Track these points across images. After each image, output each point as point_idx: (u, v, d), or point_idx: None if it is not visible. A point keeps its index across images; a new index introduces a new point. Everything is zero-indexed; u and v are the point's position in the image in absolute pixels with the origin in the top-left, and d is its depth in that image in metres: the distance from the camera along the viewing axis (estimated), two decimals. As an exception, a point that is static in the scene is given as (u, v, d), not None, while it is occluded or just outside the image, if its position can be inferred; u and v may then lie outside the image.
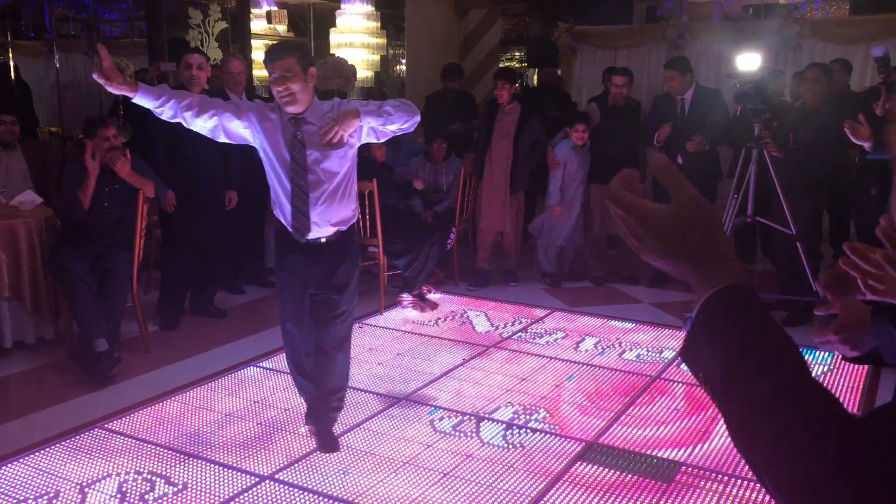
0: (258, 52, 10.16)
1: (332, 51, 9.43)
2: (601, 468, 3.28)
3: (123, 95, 2.95)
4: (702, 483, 3.17)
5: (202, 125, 3.11)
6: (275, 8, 10.38)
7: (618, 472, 3.25)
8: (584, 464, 3.32)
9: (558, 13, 8.69)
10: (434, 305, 5.60)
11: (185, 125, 3.12)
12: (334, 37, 9.42)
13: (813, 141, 5.07)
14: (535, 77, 12.49)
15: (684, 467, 3.30)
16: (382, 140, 3.32)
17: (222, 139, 3.19)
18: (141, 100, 2.97)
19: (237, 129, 3.15)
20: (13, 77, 10.07)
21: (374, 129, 3.15)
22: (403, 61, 11.69)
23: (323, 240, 3.23)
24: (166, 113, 3.04)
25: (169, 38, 8.26)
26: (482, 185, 6.00)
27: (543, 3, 9.20)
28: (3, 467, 3.24)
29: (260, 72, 10.01)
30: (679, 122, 5.66)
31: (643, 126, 5.95)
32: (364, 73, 9.32)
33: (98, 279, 4.40)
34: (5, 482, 3.13)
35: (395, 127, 3.17)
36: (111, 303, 4.39)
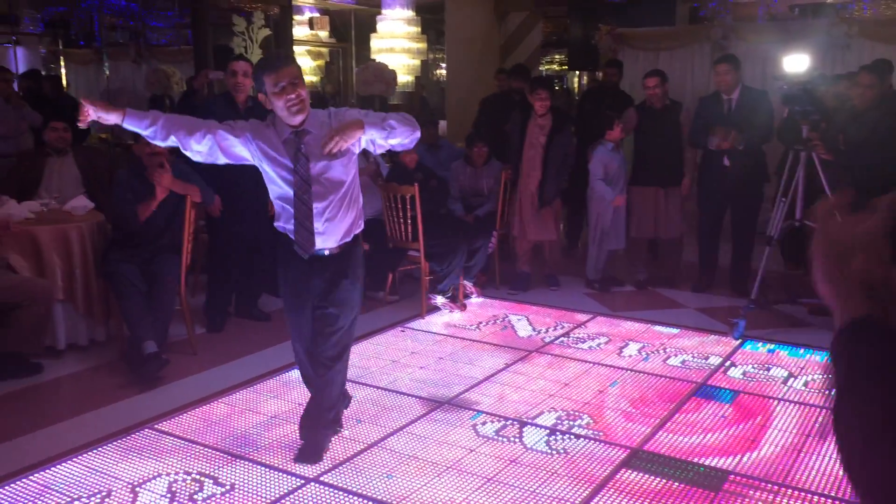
0: (301, 58, 10.29)
1: (372, 56, 9.51)
2: (647, 476, 3.25)
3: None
4: (750, 492, 3.12)
5: (197, 148, 3.07)
6: (317, 14, 10.50)
7: (664, 480, 3.21)
8: (630, 471, 3.29)
9: (599, 15, 8.65)
10: (463, 306, 5.62)
11: (182, 149, 3.10)
12: (375, 42, 9.51)
13: (862, 142, 4.97)
14: (576, 79, 12.44)
15: (732, 476, 3.25)
16: (379, 152, 3.28)
17: (222, 160, 3.15)
18: (130, 125, 2.97)
19: (234, 148, 3.11)
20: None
21: (373, 141, 3.10)
22: (443, 65, 11.73)
23: (326, 252, 3.21)
24: (159, 136, 3.01)
25: (214, 45, 8.41)
26: (516, 193, 6.00)
27: (584, 5, 9.15)
28: (58, 466, 3.32)
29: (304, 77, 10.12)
30: (724, 121, 5.58)
31: (690, 128, 5.88)
32: (404, 77, 9.38)
33: (147, 282, 4.49)
34: (60, 480, 3.21)
35: (395, 141, 3.12)
36: (159, 305, 4.48)
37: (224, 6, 8.60)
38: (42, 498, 3.07)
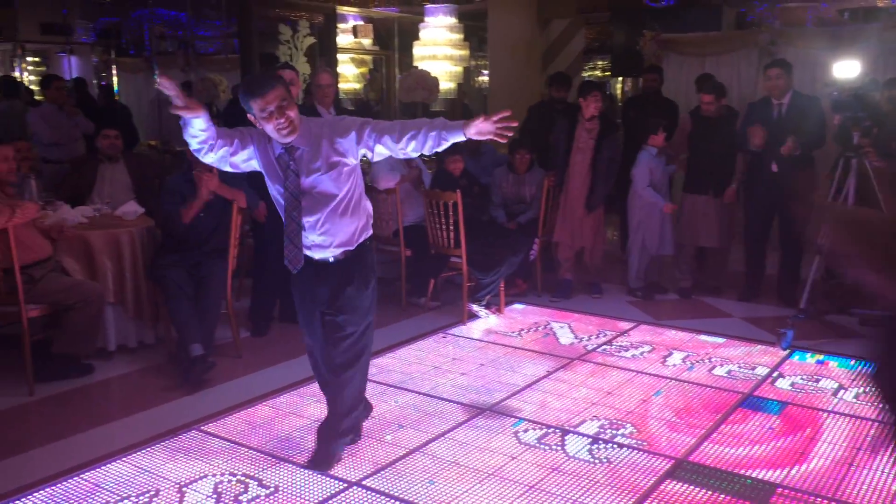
0: (344, 65, 10.40)
1: (415, 63, 9.56)
2: (691, 487, 3.20)
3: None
4: (799, 506, 3.06)
5: (212, 155, 3.03)
6: (361, 22, 10.60)
7: (709, 492, 3.16)
8: (674, 482, 3.25)
9: (644, 21, 8.58)
10: (499, 311, 5.62)
11: (196, 154, 3.05)
12: (418, 49, 9.55)
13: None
14: (619, 86, 12.35)
15: (780, 489, 3.19)
16: (377, 159, 3.17)
17: (229, 169, 3.14)
18: (201, 123, 2.90)
19: (241, 159, 3.09)
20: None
21: (375, 146, 3.05)
22: (486, 72, 11.75)
23: (331, 259, 3.19)
24: (207, 140, 2.97)
25: (260, 53, 8.54)
26: (560, 200, 5.97)
27: (628, 11, 9.09)
28: (108, 465, 3.40)
29: (346, 84, 10.25)
30: (774, 127, 5.49)
31: (737, 132, 5.80)
32: (447, 84, 9.41)
33: (194, 286, 4.57)
34: (110, 479, 3.28)
35: (412, 147, 3.03)
36: (206, 309, 4.55)
37: (270, 15, 8.73)
38: (93, 496, 3.15)
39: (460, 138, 3.02)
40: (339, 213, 3.11)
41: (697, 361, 4.69)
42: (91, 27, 12.26)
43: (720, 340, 5.06)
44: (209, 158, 3.05)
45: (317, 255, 3.17)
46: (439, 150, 3.09)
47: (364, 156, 3.13)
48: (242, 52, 8.65)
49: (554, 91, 6.94)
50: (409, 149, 3.05)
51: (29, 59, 12.29)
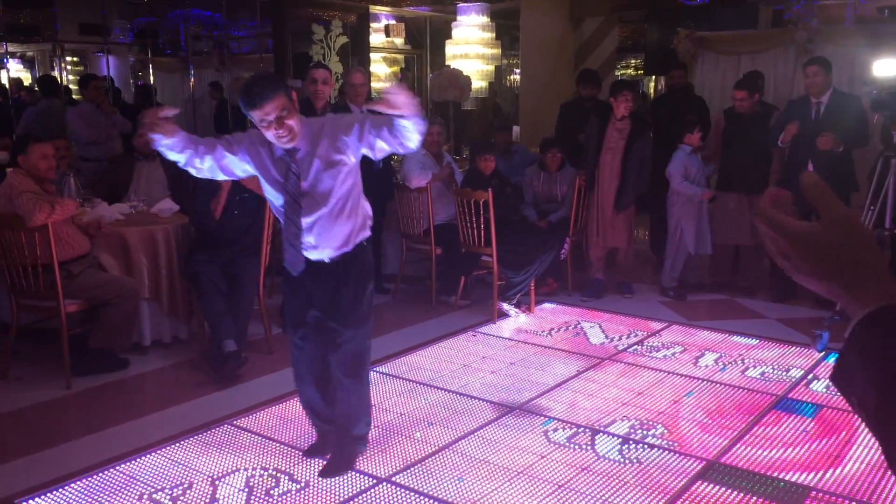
0: (377, 64, 10.44)
1: (447, 62, 9.58)
2: (723, 489, 3.17)
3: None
4: (833, 510, 3.01)
5: (200, 166, 2.98)
6: (393, 21, 10.64)
7: (741, 494, 3.13)
8: (705, 483, 3.22)
9: (678, 19, 8.49)
10: (528, 310, 5.62)
11: (184, 166, 3.00)
12: (450, 48, 9.57)
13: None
14: (652, 84, 12.25)
15: (814, 492, 3.14)
16: (380, 157, 3.07)
17: (221, 177, 3.12)
18: (171, 143, 2.86)
19: (231, 164, 3.02)
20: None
21: (372, 143, 2.93)
22: (517, 71, 11.72)
23: (326, 260, 3.11)
24: (188, 158, 2.93)
25: (293, 52, 8.62)
26: (591, 200, 5.94)
27: (662, 9, 9.00)
28: (143, 457, 3.46)
29: (378, 83, 10.29)
30: (812, 126, 5.41)
31: (770, 129, 5.73)
32: (478, 83, 9.41)
33: (228, 283, 4.63)
34: (145, 471, 3.34)
35: (397, 140, 2.87)
36: (239, 305, 4.61)
37: (303, 15, 8.81)
38: (128, 488, 3.21)
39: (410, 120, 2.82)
40: (337, 214, 3.03)
41: (730, 363, 4.64)
42: (128, 27, 12.46)
43: (754, 342, 5.00)
44: (199, 172, 3.01)
45: (314, 255, 3.09)
46: (409, 136, 2.85)
47: (366, 155, 3.02)
48: (276, 52, 8.74)
49: (582, 89, 6.90)
50: (394, 142, 2.90)
51: (68, 58, 12.53)
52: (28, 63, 14.87)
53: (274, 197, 3.06)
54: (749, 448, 3.53)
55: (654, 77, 11.71)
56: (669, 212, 6.02)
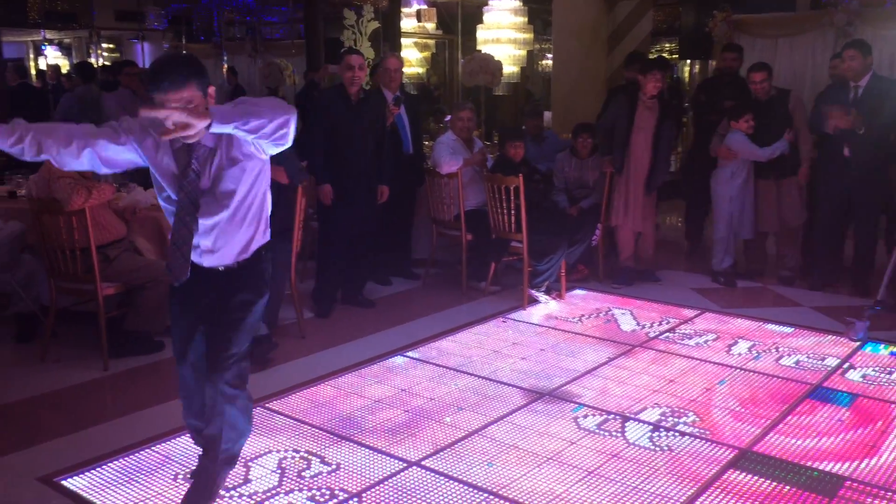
0: (408, 49, 10.43)
1: (478, 47, 9.53)
2: (756, 477, 3.14)
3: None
4: (868, 500, 2.97)
5: (75, 163, 2.57)
6: (424, 6, 10.60)
7: (774, 483, 3.09)
8: (738, 472, 3.19)
9: (714, 2, 8.34)
10: (559, 296, 5.60)
11: (54, 163, 2.57)
12: (481, 33, 9.52)
13: None
14: (686, 68, 12.06)
15: (849, 482, 3.10)
16: (276, 150, 2.59)
17: (105, 171, 2.69)
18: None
19: (117, 155, 2.61)
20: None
21: (244, 131, 2.41)
22: (549, 56, 11.63)
23: (221, 268, 2.77)
24: (28, 153, 2.48)
25: (325, 38, 8.63)
26: (620, 182, 5.85)
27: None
28: (177, 438, 3.51)
29: (409, 69, 10.28)
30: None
31: (811, 113, 5.62)
32: (510, 68, 9.36)
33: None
34: (179, 452, 3.40)
35: (253, 125, 2.37)
36: (271, 290, 4.64)
37: (335, 0, 8.82)
38: (163, 467, 3.27)
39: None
40: (237, 218, 2.70)
41: (764, 351, 4.58)
42: (163, 14, 12.59)
43: (788, 330, 4.93)
44: (74, 164, 2.57)
45: (206, 262, 2.75)
46: (271, 137, 2.46)
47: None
48: (308, 37, 8.77)
49: (629, 73, 6.77)
50: (260, 132, 2.42)
51: (104, 45, 12.71)
52: (65, 50, 15.10)
53: (167, 191, 2.67)
54: (783, 437, 3.49)
55: (688, 61, 11.54)
56: (716, 191, 5.91)
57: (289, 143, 2.52)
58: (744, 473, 3.17)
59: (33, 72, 13.10)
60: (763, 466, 3.23)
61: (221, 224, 2.69)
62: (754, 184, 5.82)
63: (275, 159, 4.46)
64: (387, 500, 3.00)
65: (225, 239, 2.72)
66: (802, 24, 7.42)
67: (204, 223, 2.68)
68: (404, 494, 3.04)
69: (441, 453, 3.37)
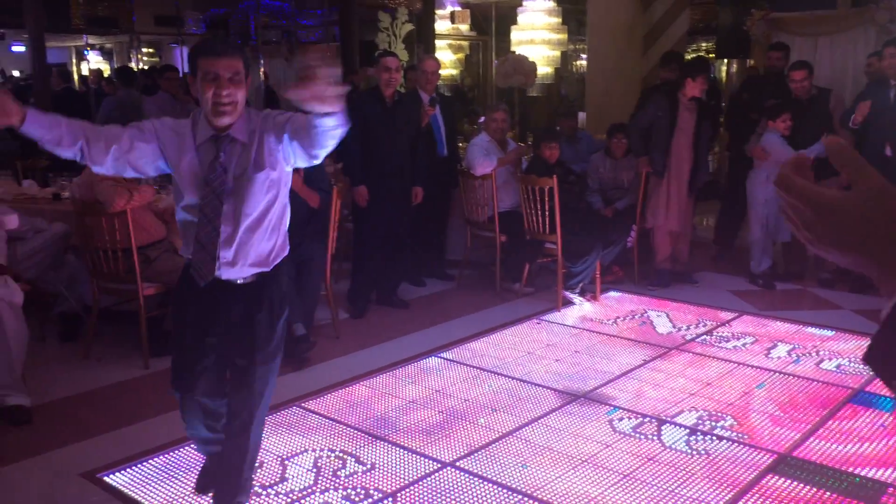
0: (442, 51, 10.45)
1: (512, 48, 9.52)
2: (795, 483, 3.10)
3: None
4: (912, 508, 2.91)
5: (101, 157, 2.48)
6: (458, 8, 10.62)
7: (814, 489, 3.05)
8: (776, 477, 3.15)
9: (752, 0, 8.24)
10: (593, 297, 5.58)
11: (86, 162, 2.49)
12: (515, 34, 9.51)
13: None
14: (724, 68, 11.91)
15: (892, 488, 3.04)
16: (313, 162, 2.57)
17: (130, 174, 2.64)
18: (32, 130, 2.30)
19: (143, 156, 2.54)
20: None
21: (301, 146, 2.46)
22: (584, 56, 11.57)
23: (239, 281, 2.65)
24: (66, 142, 2.39)
25: (360, 40, 8.69)
26: (660, 183, 5.80)
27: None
28: (216, 436, 3.56)
29: (443, 71, 10.31)
30: (891, 110, 5.19)
31: (842, 113, 5.53)
32: (544, 69, 9.33)
33: (295, 268, 4.72)
34: (217, 450, 3.45)
35: (323, 138, 2.37)
36: (307, 290, 4.70)
37: (370, 3, 8.88)
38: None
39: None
40: (260, 227, 2.61)
41: (804, 354, 4.51)
42: (201, 18, 12.79)
43: (829, 333, 4.85)
44: (104, 162, 2.50)
45: (226, 273, 2.61)
46: (325, 144, 2.43)
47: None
48: (343, 40, 8.83)
49: (665, 73, 6.71)
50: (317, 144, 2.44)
51: (143, 49, 12.94)
52: (106, 54, 15.40)
53: (186, 192, 2.57)
54: (823, 442, 3.44)
55: (725, 61, 11.40)
56: (751, 193, 5.84)
57: (327, 149, 2.46)
58: (783, 479, 3.13)
59: (76, 76, 13.41)
60: (803, 472, 3.18)
61: (244, 232, 2.58)
62: None
63: (308, 180, 4.44)
64: (421, 501, 3.02)
65: (245, 249, 2.61)
66: (843, 22, 7.29)
67: (224, 230, 2.56)
68: (438, 495, 3.05)
69: (475, 454, 3.37)
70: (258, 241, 2.62)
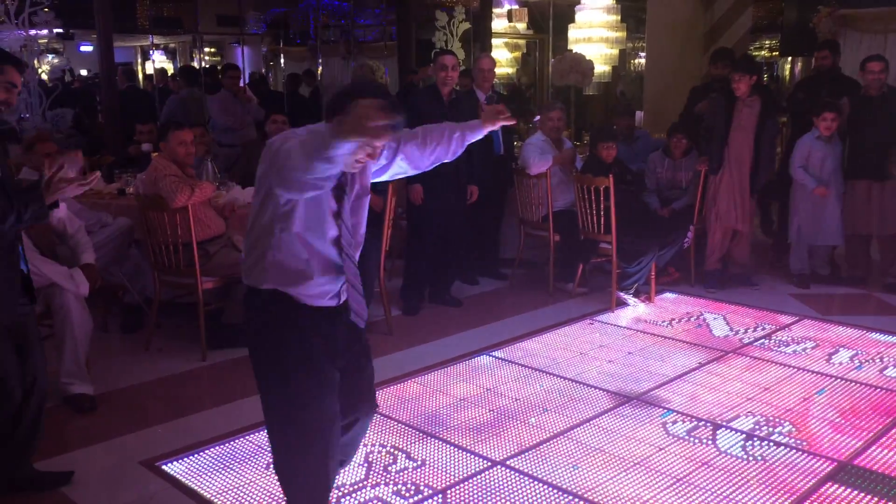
0: (498, 50, 10.43)
1: (569, 46, 9.44)
2: (856, 492, 3.00)
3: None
4: (981, 523, 2.80)
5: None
6: (516, 6, 10.58)
7: (876, 498, 2.95)
8: (836, 485, 3.06)
9: (819, -4, 8.00)
10: (648, 299, 5.51)
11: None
12: (573, 32, 9.42)
13: None
14: (788, 66, 11.61)
15: (959, 502, 2.93)
16: (399, 174, 2.55)
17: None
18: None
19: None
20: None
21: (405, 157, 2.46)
22: (642, 54, 11.41)
23: (361, 323, 2.58)
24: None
25: (417, 39, 8.74)
26: (719, 182, 5.68)
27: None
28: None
29: (499, 69, 10.29)
30: None
31: None
32: (601, 67, 9.23)
33: (351, 265, 4.77)
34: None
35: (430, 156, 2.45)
36: (362, 287, 4.74)
37: (427, 2, 8.91)
38: (257, 457, 3.39)
39: (480, 135, 2.54)
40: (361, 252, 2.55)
41: (867, 361, 4.37)
42: (262, 18, 13.03)
43: (894, 339, 4.69)
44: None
45: (343, 296, 2.50)
46: (458, 153, 2.53)
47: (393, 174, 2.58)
48: (400, 39, 8.89)
49: (714, 69, 6.60)
50: (431, 159, 2.50)
51: (206, 49, 13.25)
52: (170, 54, 15.81)
53: (318, 233, 2.35)
54: (886, 451, 3.33)
55: (790, 59, 11.11)
56: (791, 196, 5.74)
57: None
58: (843, 487, 3.04)
59: (140, 75, 13.80)
60: (863, 481, 3.09)
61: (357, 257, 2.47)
62: (851, 185, 5.57)
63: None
64: (470, 498, 3.02)
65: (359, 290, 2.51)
66: (915, 18, 7.04)
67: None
68: (488, 493, 3.05)
69: (525, 454, 3.37)
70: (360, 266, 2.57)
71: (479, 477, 3.18)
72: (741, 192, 5.60)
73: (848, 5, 7.38)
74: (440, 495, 3.05)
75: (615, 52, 9.49)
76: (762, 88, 5.54)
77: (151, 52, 12.55)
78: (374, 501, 3.04)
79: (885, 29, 7.10)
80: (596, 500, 2.99)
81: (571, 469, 3.22)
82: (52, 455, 3.35)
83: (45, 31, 7.38)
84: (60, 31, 8.75)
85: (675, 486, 3.07)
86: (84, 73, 14.07)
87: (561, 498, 3.01)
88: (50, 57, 9.08)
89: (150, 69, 13.38)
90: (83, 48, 14.29)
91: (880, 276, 5.81)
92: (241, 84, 8.02)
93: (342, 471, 2.90)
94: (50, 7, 6.94)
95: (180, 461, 3.36)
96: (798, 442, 3.43)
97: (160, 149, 4.76)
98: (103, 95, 7.77)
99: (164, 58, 15.67)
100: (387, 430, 3.62)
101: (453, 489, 3.09)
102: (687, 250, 5.88)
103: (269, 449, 3.42)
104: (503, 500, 3.00)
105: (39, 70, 8.00)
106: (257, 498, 3.08)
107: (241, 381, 4.23)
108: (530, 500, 3.00)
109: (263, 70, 13.61)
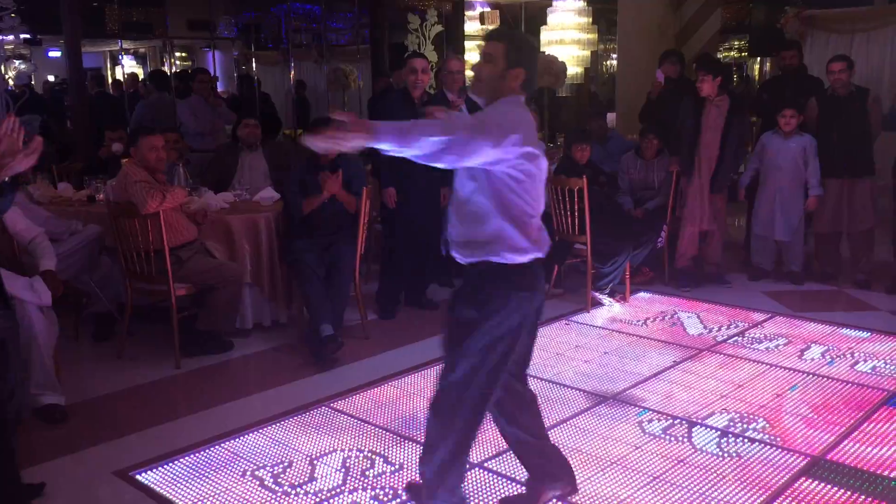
0: (471, 52, 10.44)
1: (542, 48, 9.47)
2: (829, 486, 3.04)
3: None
4: (951, 513, 2.84)
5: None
6: (488, 9, 10.60)
7: (849, 492, 2.99)
8: (810, 480, 3.09)
9: (786, -3, 8.13)
10: (623, 299, 5.54)
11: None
12: (545, 34, 9.45)
13: None
14: (757, 66, 11.77)
15: (929, 494, 2.97)
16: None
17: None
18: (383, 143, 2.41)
19: None
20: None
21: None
22: (614, 56, 11.49)
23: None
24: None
25: (389, 43, 8.73)
26: (687, 182, 5.73)
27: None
28: (245, 436, 3.60)
29: (472, 72, 10.31)
30: None
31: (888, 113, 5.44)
32: (574, 69, 9.27)
33: (326, 268, 4.75)
34: (247, 449, 3.48)
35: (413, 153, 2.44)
36: (336, 291, 4.72)
37: (400, 5, 8.91)
38: (232, 464, 3.35)
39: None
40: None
41: (838, 356, 4.43)
42: (233, 22, 12.94)
43: (865, 335, 4.76)
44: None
45: None
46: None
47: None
48: (373, 43, 8.87)
49: (664, 68, 6.68)
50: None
51: (176, 53, 13.12)
52: (140, 59, 15.64)
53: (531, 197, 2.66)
54: (858, 445, 3.37)
55: (758, 59, 11.26)
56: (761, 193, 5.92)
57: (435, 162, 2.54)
58: (816, 482, 3.08)
59: (109, 81, 13.64)
60: (837, 475, 3.13)
61: None
62: (822, 183, 5.66)
63: (346, 185, 4.56)
64: (449, 501, 3.01)
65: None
66: (880, 19, 7.17)
67: None
68: (466, 495, 3.04)
69: (503, 455, 3.36)
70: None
71: (456, 479, 3.17)
72: (708, 194, 5.66)
73: (814, 6, 7.49)
74: (418, 499, 3.04)
75: (587, 53, 9.54)
76: (727, 90, 5.59)
77: (121, 56, 12.40)
78: (352, 506, 3.02)
79: (852, 29, 7.23)
80: (574, 500, 2.99)
81: (549, 469, 3.22)
82: (22, 467, 3.28)
83: (11, 37, 7.26)
84: (28, 36, 8.62)
85: (652, 485, 3.09)
86: (51, 78, 13.87)
87: (539, 499, 3.01)
88: (17, 63, 8.94)
89: (119, 74, 13.23)
90: (51, 54, 14.10)
91: (850, 273, 5.89)
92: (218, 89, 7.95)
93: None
94: (17, 12, 6.83)
95: (154, 470, 3.31)
96: (772, 438, 3.47)
97: (131, 154, 4.70)
98: (72, 101, 7.68)
99: (134, 63, 15.50)
100: (364, 435, 3.60)
101: (431, 492, 3.08)
102: (661, 250, 5.93)
103: (244, 457, 3.40)
104: (481, 502, 3.00)
105: (7, 76, 7.87)
106: (233, 506, 3.04)
107: (217, 387, 4.20)
108: (508, 502, 3.00)
109: (236, 75, 13.53)
